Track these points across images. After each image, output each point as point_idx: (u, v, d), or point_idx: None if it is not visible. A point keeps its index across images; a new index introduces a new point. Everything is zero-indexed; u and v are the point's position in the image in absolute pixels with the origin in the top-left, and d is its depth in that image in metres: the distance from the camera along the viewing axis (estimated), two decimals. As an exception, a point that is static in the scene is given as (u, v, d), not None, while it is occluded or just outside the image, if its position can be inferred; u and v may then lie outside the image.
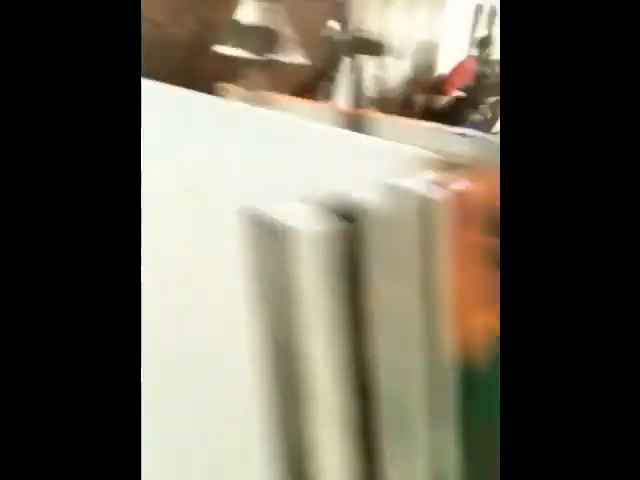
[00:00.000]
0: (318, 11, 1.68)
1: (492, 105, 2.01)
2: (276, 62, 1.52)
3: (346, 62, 1.67)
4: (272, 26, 1.56)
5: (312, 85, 1.68)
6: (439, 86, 2.10)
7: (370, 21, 1.87)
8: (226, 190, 0.38)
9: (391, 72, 1.95)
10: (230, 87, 0.84)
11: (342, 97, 1.67)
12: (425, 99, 2.07)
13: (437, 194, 0.39)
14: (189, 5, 1.73)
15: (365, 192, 0.38)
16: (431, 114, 1.98)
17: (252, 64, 1.52)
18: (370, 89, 1.79)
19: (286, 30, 1.58)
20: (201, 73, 1.71)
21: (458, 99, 2.06)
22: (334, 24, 1.67)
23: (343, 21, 1.69)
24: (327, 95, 1.66)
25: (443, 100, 2.07)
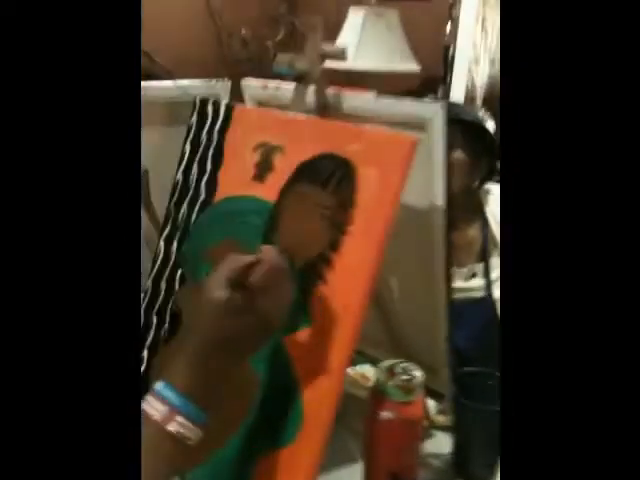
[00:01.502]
0: (431, 14, 1.62)
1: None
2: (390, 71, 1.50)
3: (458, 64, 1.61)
4: (384, 32, 1.54)
5: (423, 91, 1.64)
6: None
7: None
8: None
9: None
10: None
11: (456, 99, 1.63)
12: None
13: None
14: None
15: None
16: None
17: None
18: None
19: (398, 36, 1.56)
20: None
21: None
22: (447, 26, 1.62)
23: (455, 20, 1.63)
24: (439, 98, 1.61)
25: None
